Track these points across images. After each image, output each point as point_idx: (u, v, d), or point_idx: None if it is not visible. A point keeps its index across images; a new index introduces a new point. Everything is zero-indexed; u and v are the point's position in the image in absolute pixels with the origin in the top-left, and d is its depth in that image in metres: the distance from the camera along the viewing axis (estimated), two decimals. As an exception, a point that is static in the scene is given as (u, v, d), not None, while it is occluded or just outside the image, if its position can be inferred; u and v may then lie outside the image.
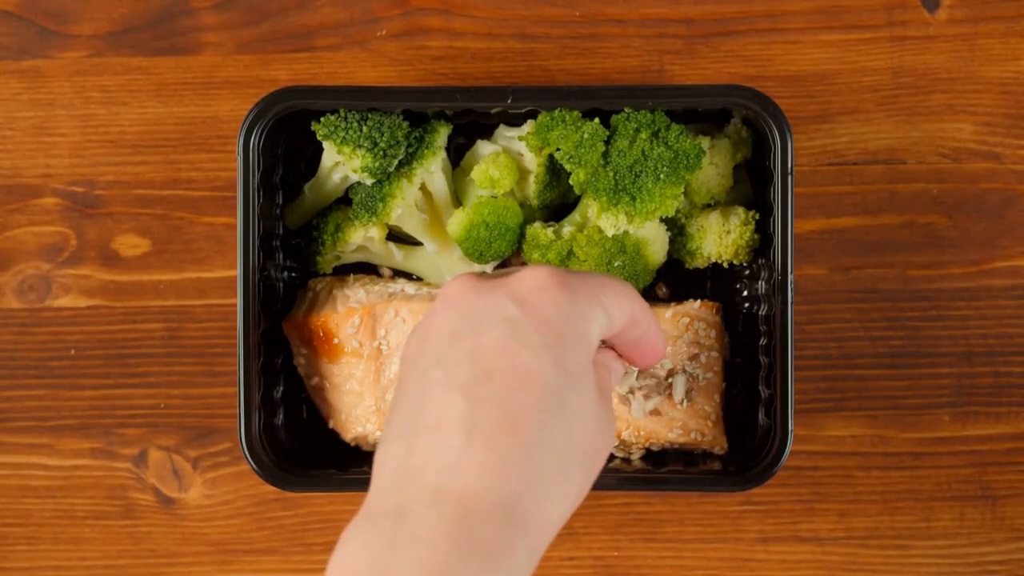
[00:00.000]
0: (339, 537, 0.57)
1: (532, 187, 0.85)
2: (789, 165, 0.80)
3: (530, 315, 0.60)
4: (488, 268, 0.88)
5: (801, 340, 0.89)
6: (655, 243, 0.85)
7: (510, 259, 0.89)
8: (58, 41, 0.90)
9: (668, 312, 0.84)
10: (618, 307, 0.64)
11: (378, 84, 0.89)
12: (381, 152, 0.82)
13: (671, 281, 0.89)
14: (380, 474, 0.59)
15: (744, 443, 0.85)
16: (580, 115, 0.82)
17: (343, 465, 0.84)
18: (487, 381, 0.58)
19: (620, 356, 0.69)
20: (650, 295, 0.89)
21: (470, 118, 0.86)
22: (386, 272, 0.89)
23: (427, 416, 0.58)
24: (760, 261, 0.85)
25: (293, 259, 0.88)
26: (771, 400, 0.82)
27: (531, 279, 0.61)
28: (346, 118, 0.82)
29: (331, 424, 0.86)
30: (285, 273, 0.87)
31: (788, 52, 0.89)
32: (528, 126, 0.85)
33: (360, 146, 0.82)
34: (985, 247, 0.89)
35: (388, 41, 0.90)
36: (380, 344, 0.83)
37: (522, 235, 0.86)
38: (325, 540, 0.90)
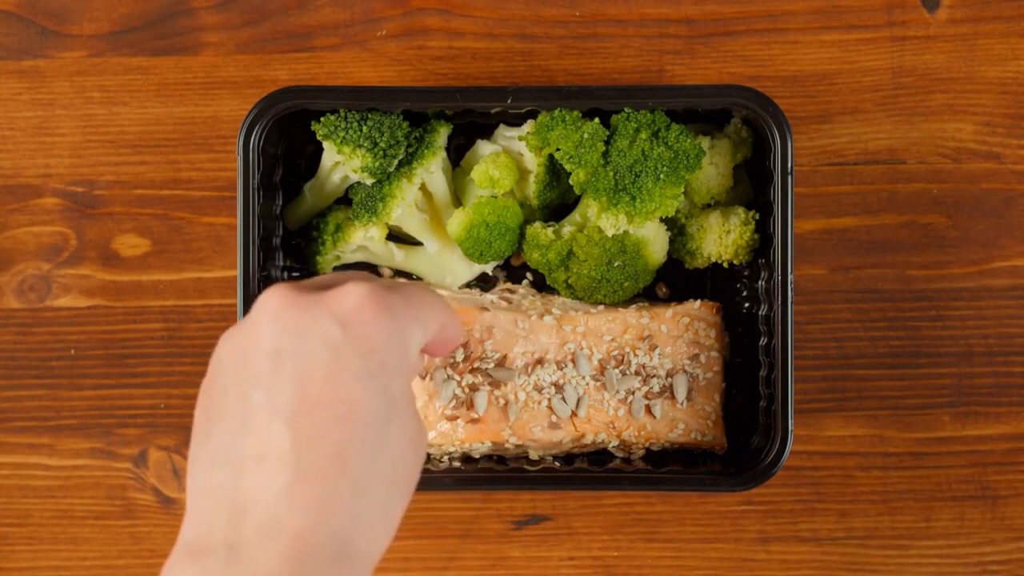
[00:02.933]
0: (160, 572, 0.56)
1: (532, 187, 0.85)
2: (789, 165, 0.80)
3: (354, 341, 0.59)
4: (488, 268, 0.88)
5: (801, 340, 0.89)
6: (655, 243, 0.85)
7: (510, 259, 0.89)
8: (58, 41, 0.90)
9: (668, 312, 0.84)
10: (433, 320, 0.64)
11: (378, 84, 0.89)
12: (381, 152, 0.82)
13: (671, 281, 0.89)
14: (202, 502, 0.58)
15: (744, 443, 0.85)
16: (580, 115, 0.82)
17: (343, 465, 0.84)
18: (312, 412, 0.57)
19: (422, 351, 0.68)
20: (650, 295, 0.89)
21: (470, 118, 0.86)
22: (386, 272, 0.89)
23: (252, 444, 0.57)
24: (760, 261, 0.85)
25: (293, 259, 0.88)
26: (771, 400, 0.82)
27: (353, 297, 0.60)
28: (346, 118, 0.82)
29: (331, 424, 0.86)
30: (285, 273, 0.87)
31: (788, 52, 0.89)
32: (528, 126, 0.85)
33: (360, 146, 0.82)
34: (985, 247, 0.89)
35: (388, 41, 0.90)
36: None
37: (522, 235, 0.86)
38: (325, 540, 0.90)
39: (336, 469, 0.57)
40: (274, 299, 0.60)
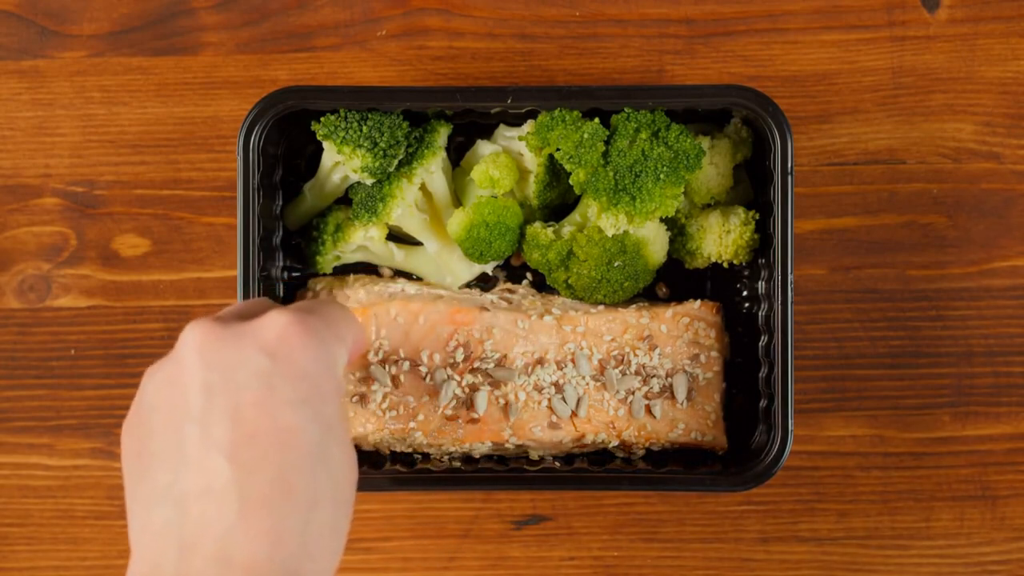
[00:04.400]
0: None
1: (532, 187, 0.85)
2: (789, 165, 0.80)
3: (283, 368, 0.59)
4: (488, 268, 0.88)
5: (801, 340, 0.89)
6: (655, 243, 0.85)
7: (510, 259, 0.89)
8: (58, 41, 0.90)
9: (668, 312, 0.84)
10: (350, 334, 0.65)
11: (378, 84, 0.89)
12: (381, 152, 0.82)
13: (671, 281, 0.89)
14: (148, 542, 0.58)
15: (744, 443, 0.85)
16: (580, 115, 0.82)
17: (343, 465, 0.84)
18: (250, 443, 0.58)
19: None
20: (650, 295, 0.89)
21: (470, 118, 0.86)
22: (386, 272, 0.89)
23: (192, 480, 0.57)
24: (760, 261, 0.85)
25: (293, 259, 0.88)
26: (771, 400, 0.82)
27: (277, 325, 0.60)
28: (346, 118, 0.82)
29: (331, 424, 0.86)
30: (285, 273, 0.87)
31: (788, 52, 0.89)
32: (528, 126, 0.85)
33: (360, 146, 0.82)
34: (985, 247, 0.89)
35: (388, 41, 0.90)
36: (380, 344, 0.83)
37: (522, 235, 0.86)
38: (325, 540, 0.90)
39: (280, 495, 0.57)
40: (197, 334, 0.60)
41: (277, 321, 0.61)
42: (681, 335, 0.84)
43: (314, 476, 0.58)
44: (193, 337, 0.61)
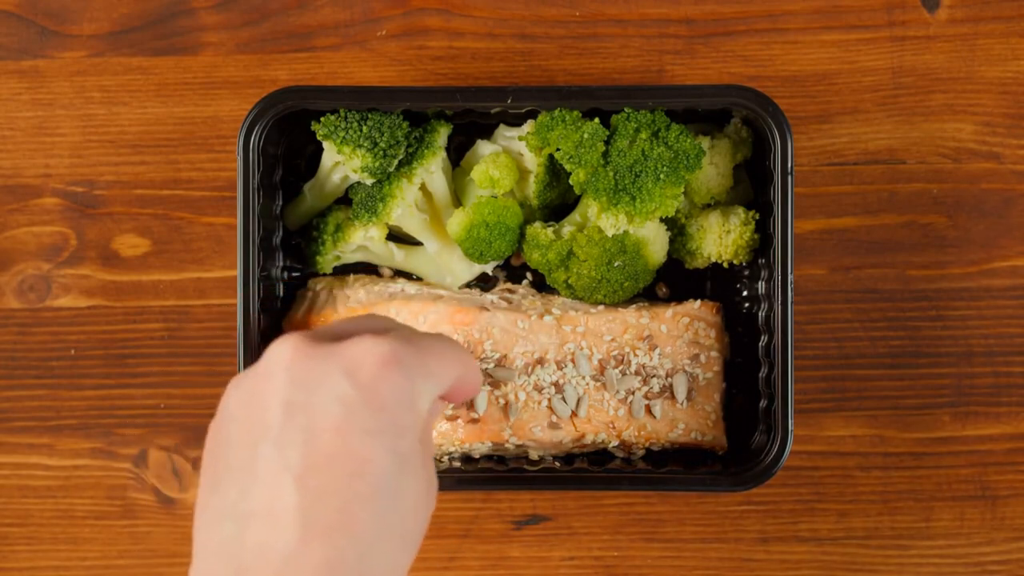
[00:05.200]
0: None
1: (532, 187, 0.85)
2: (789, 165, 0.80)
3: (366, 397, 0.59)
4: (488, 268, 0.88)
5: (801, 340, 0.89)
6: (655, 243, 0.85)
7: (510, 259, 0.89)
8: (58, 41, 0.90)
9: (668, 312, 0.84)
10: (448, 372, 0.63)
11: (378, 84, 0.89)
12: (381, 152, 0.82)
13: (671, 281, 0.89)
14: (207, 556, 0.57)
15: (744, 443, 0.85)
16: (580, 115, 0.82)
17: (343, 465, 0.84)
18: (321, 468, 0.57)
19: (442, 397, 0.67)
20: (650, 295, 0.89)
21: (470, 118, 0.86)
22: (386, 272, 0.89)
23: (258, 499, 0.57)
24: (760, 261, 0.85)
25: (293, 259, 0.88)
26: (771, 400, 0.82)
27: (366, 353, 0.60)
28: (346, 118, 0.82)
29: (331, 424, 0.86)
30: (285, 273, 0.87)
31: (788, 52, 0.89)
32: (528, 126, 0.85)
33: (360, 146, 0.82)
34: (985, 247, 0.89)
35: (388, 41, 0.90)
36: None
37: (522, 235, 0.86)
38: (325, 540, 0.90)
39: (343, 527, 0.56)
40: (287, 349, 0.60)
41: (366, 347, 0.60)
42: (681, 335, 0.84)
43: (381, 508, 0.58)
44: (282, 352, 0.60)
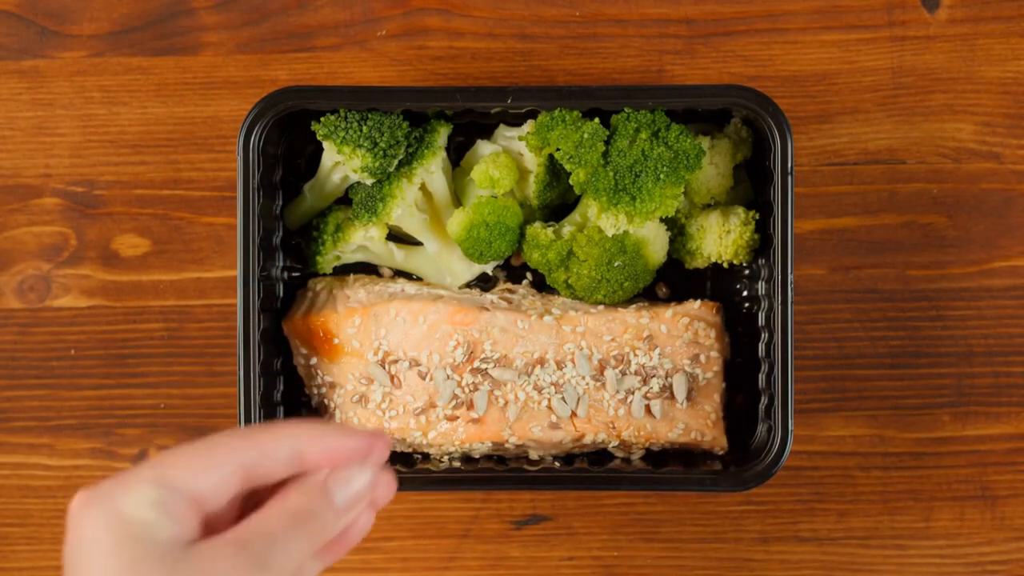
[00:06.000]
0: None
1: (532, 187, 0.85)
2: (789, 165, 0.80)
3: None
4: (488, 268, 0.88)
5: (801, 340, 0.89)
6: (655, 243, 0.85)
7: (510, 259, 0.89)
8: (58, 41, 0.90)
9: (668, 312, 0.84)
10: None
11: (378, 84, 0.89)
12: (381, 152, 0.82)
13: (671, 281, 0.89)
14: None
15: (744, 443, 0.85)
16: (580, 115, 0.82)
17: (343, 465, 0.84)
18: None
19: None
20: (650, 295, 0.89)
21: (470, 118, 0.86)
22: (386, 272, 0.89)
23: None
24: (760, 261, 0.85)
25: (293, 259, 0.88)
26: (771, 400, 0.82)
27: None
28: (346, 118, 0.82)
29: (331, 424, 0.86)
30: (285, 273, 0.87)
31: (788, 52, 0.89)
32: (528, 126, 0.85)
33: (360, 146, 0.82)
34: (985, 247, 0.89)
35: (388, 41, 0.90)
36: (380, 344, 0.83)
37: (522, 235, 0.86)
38: (325, 540, 0.90)
39: None
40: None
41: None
42: (681, 335, 0.84)
43: None
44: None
